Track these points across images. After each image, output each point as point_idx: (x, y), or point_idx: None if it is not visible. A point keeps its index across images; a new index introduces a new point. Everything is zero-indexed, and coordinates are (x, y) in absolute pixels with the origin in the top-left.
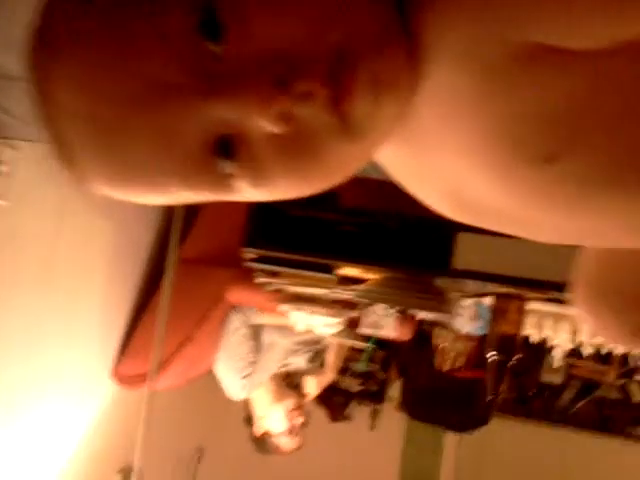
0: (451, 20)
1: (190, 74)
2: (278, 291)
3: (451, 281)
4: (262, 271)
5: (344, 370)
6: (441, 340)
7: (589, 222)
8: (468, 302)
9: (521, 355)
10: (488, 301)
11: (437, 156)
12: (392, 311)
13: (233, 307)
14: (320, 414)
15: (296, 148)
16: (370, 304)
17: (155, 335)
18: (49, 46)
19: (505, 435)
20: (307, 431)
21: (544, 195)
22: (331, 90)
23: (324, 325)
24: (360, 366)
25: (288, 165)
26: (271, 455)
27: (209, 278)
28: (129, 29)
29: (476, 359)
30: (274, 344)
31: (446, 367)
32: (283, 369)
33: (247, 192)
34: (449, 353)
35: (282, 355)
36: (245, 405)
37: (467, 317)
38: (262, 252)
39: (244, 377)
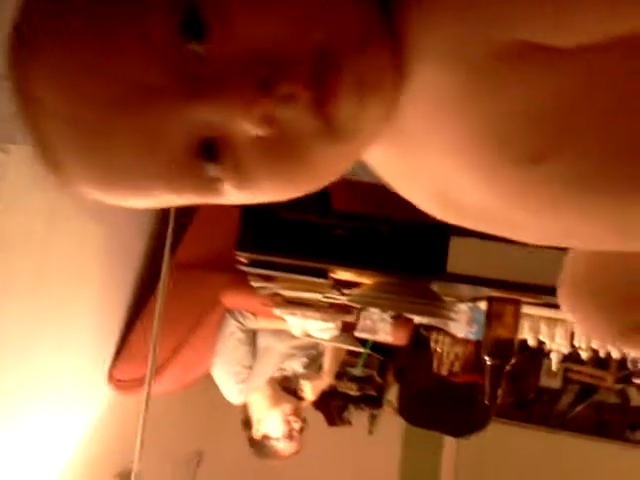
0: (436, 19)
1: (172, 76)
2: (273, 295)
3: (446, 285)
4: (256, 275)
5: (341, 374)
6: (438, 344)
7: (575, 223)
8: (463, 306)
9: (517, 359)
10: (483, 305)
11: (424, 156)
12: (387, 315)
13: (228, 311)
14: (318, 418)
15: (280, 150)
16: (365, 308)
17: (150, 340)
18: (28, 45)
19: (504, 440)
20: (305, 435)
21: (530, 196)
22: (314, 92)
23: (319, 329)
24: (356, 371)
25: (272, 167)
26: (269, 459)
27: (204, 282)
28: (110, 29)
29: (473, 363)
30: (270, 348)
31: (444, 371)
32: (279, 373)
33: (232, 195)
34: (446, 357)
35: (278, 359)
36: (243, 409)
37: (463, 321)
38: (255, 256)
39: (240, 382)
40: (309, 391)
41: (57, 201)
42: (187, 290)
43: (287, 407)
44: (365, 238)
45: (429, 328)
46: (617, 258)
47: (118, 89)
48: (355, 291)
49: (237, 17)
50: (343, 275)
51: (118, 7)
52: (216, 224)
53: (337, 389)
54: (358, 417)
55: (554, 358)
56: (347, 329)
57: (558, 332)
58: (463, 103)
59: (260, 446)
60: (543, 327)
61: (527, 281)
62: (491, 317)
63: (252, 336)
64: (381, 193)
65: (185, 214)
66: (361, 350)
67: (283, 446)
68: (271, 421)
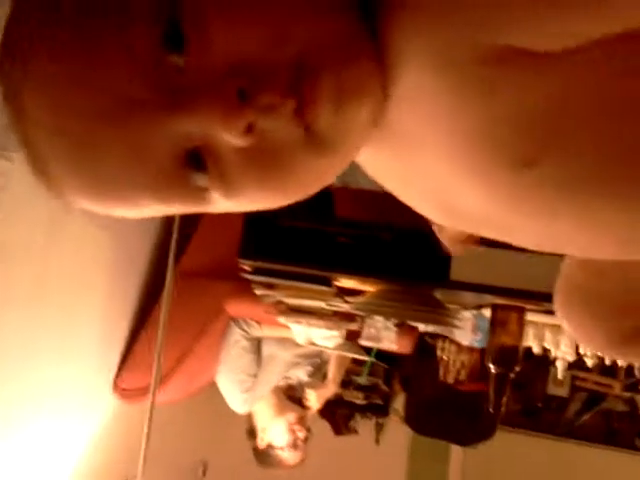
0: (422, 24)
1: (154, 88)
2: (277, 303)
3: (450, 293)
4: (260, 283)
5: (347, 383)
6: (445, 352)
7: (572, 228)
8: (468, 314)
9: (521, 367)
10: (488, 313)
11: (419, 158)
12: (391, 323)
13: (233, 320)
14: (325, 427)
15: (263, 160)
16: (369, 316)
17: (155, 349)
18: (15, 56)
19: (511, 448)
20: (312, 445)
21: (525, 200)
22: (294, 101)
23: (323, 338)
24: (361, 379)
25: (257, 176)
26: (274, 469)
27: (208, 291)
28: (96, 41)
29: (479, 372)
30: (274, 357)
31: (450, 380)
32: (284, 382)
33: (221, 204)
34: (453, 366)
35: (283, 368)
36: (248, 418)
37: (467, 329)
38: (258, 264)
39: (245, 390)
40: (314, 400)
41: (60, 210)
42: (191, 299)
43: (292, 416)
44: (368, 245)
45: (435, 336)
46: (614, 266)
47: (103, 101)
48: (359, 299)
49: (214, 29)
50: (347, 283)
51: (104, 19)
52: (220, 232)
53: (343, 398)
54: (364, 426)
55: (559, 366)
56: (351, 337)
57: (563, 339)
58: (453, 108)
59: (264, 455)
60: (548, 334)
61: (531, 288)
62: (495, 325)
63: (257, 344)
64: (384, 200)
65: (189, 224)
66: (366, 358)
67: (287, 455)
68: (276, 430)
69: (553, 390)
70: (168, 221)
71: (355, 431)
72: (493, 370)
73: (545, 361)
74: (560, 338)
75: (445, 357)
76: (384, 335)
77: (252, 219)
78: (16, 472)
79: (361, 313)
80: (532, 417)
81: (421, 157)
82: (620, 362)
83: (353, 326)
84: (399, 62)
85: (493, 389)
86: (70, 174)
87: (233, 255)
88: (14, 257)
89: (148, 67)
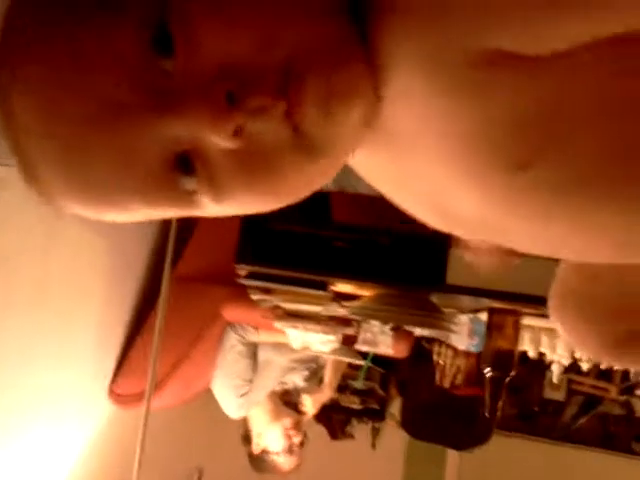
0: (412, 28)
1: (142, 92)
2: (273, 308)
3: (446, 297)
4: (257, 288)
5: (343, 388)
6: (441, 357)
7: (567, 231)
8: (464, 318)
9: (517, 371)
10: (484, 317)
11: (414, 161)
12: (387, 328)
13: (229, 324)
14: (321, 432)
15: (252, 163)
16: (365, 321)
17: (150, 355)
18: (4, 60)
19: (507, 452)
20: (307, 449)
21: (520, 203)
22: (285, 103)
23: (320, 342)
24: (357, 384)
25: (247, 180)
26: (269, 474)
27: (204, 296)
28: (84, 45)
29: (476, 376)
30: (270, 362)
31: (446, 384)
32: (280, 387)
33: (211, 207)
34: (449, 370)
35: (279, 373)
36: (243, 423)
37: (464, 334)
38: (254, 269)
39: (241, 396)
40: (310, 405)
41: (56, 216)
42: (187, 304)
43: (287, 421)
44: (365, 250)
45: (431, 340)
46: (609, 270)
47: (92, 105)
48: (355, 303)
49: (202, 32)
50: (343, 287)
51: (92, 23)
52: (216, 237)
53: (339, 403)
54: (361, 430)
55: (555, 370)
56: (347, 342)
57: (559, 343)
58: (446, 110)
59: (259, 461)
60: (544, 338)
61: (528, 292)
62: (491, 328)
63: (253, 349)
64: (381, 205)
65: (186, 229)
66: (362, 363)
67: (283, 460)
68: (271, 435)
69: (549, 394)
70: (165, 226)
71: (351, 436)
72: (489, 374)
73: (541, 365)
74: (556, 342)
75: (441, 362)
76: (380, 339)
77: (249, 224)
78: (12, 477)
79: (357, 317)
80: (528, 421)
81: (415, 160)
82: (615, 366)
83: (349, 331)
84: (390, 66)
85: (489, 393)
86: (59, 178)
87: (230, 260)
88: (10, 263)
89: (137, 71)
